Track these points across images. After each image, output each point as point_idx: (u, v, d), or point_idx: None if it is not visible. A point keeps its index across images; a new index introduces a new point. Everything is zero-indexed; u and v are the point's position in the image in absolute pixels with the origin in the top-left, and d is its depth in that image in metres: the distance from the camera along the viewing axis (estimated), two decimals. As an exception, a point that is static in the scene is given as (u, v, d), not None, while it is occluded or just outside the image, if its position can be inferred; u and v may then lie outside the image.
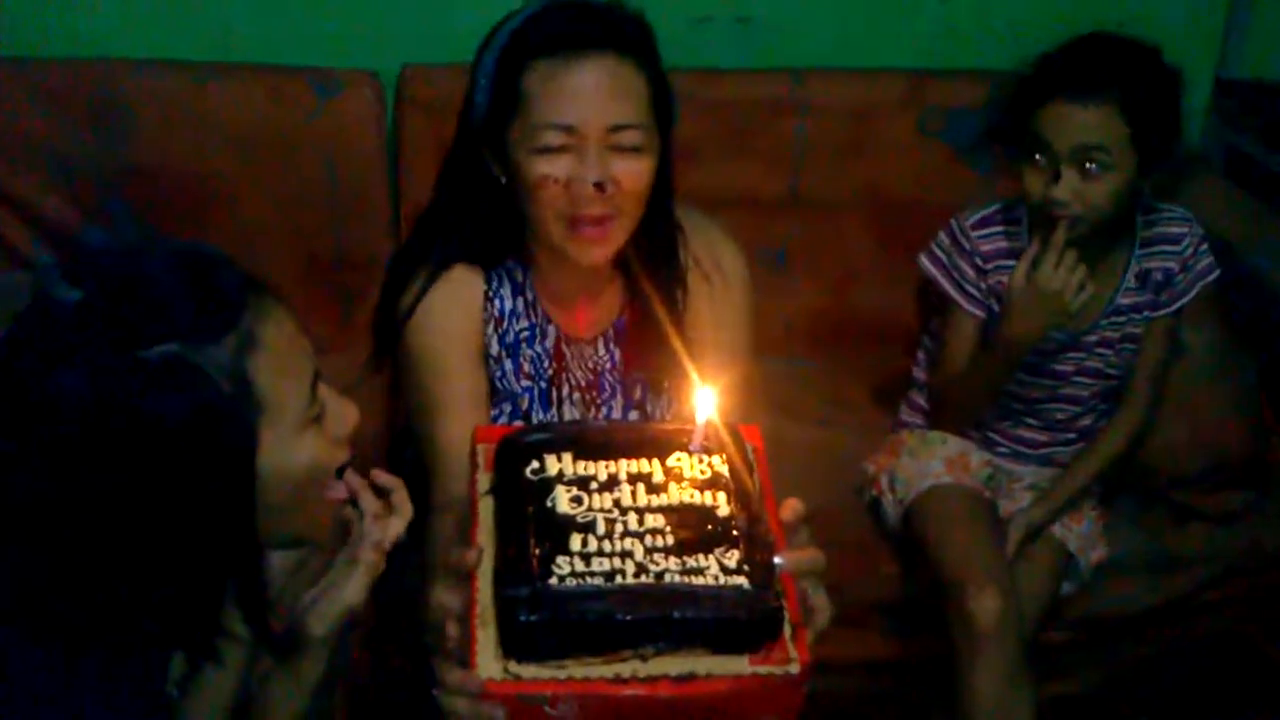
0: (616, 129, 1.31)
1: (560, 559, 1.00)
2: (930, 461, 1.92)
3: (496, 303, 1.43)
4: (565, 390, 1.47)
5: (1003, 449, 1.95)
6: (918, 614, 1.92)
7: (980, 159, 2.27)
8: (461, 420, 1.37)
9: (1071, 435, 1.93)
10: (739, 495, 1.08)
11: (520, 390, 1.45)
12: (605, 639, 0.97)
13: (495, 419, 1.45)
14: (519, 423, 1.45)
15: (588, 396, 1.48)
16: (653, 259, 1.42)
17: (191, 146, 2.10)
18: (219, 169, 2.10)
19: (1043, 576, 1.86)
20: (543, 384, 1.46)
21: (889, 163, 2.25)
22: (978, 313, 1.86)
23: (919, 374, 2.03)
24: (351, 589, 1.11)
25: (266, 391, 0.99)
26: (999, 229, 1.86)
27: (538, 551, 1.01)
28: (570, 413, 1.48)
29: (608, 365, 1.47)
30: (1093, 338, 1.85)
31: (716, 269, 1.46)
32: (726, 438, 1.12)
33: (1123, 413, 1.91)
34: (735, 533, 1.05)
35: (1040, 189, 1.70)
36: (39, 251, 2.09)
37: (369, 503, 1.12)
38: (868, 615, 1.95)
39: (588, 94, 1.29)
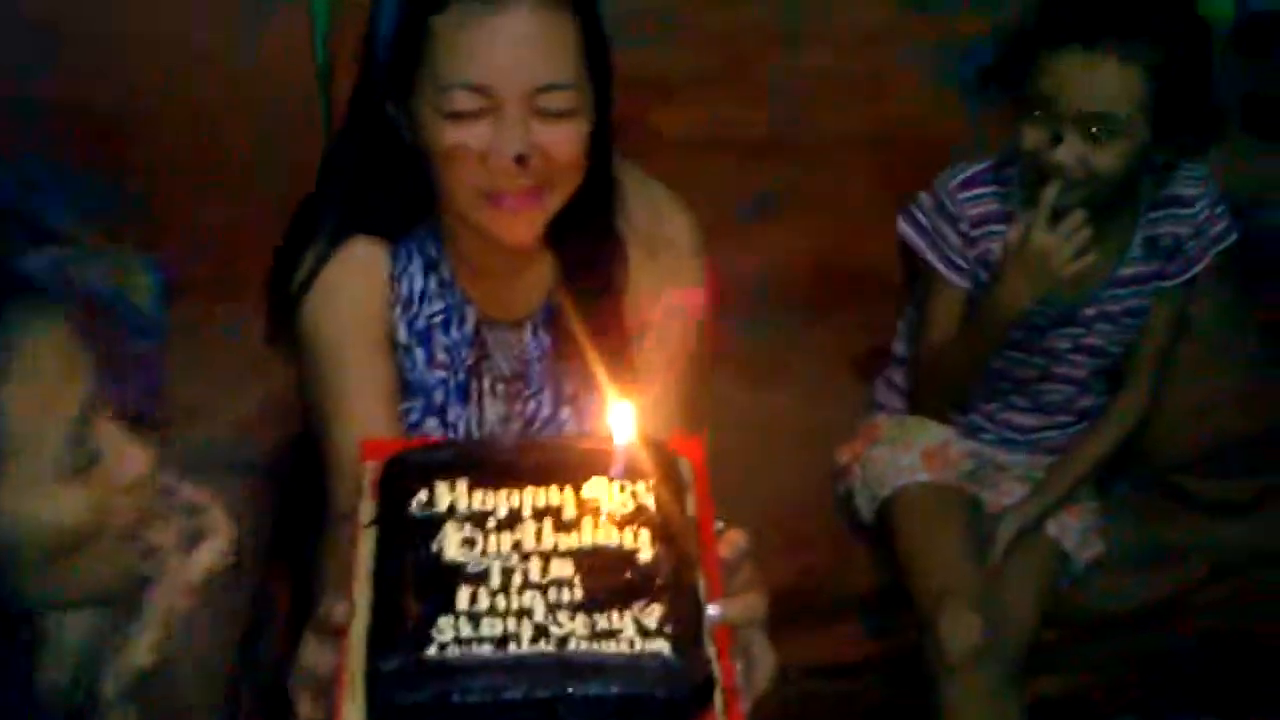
0: (541, 91, 1.11)
1: (443, 620, 0.82)
2: (906, 453, 1.75)
3: (404, 282, 1.24)
4: (487, 382, 1.29)
5: (989, 435, 1.77)
6: (897, 614, 1.78)
7: (992, 97, 2.09)
8: (364, 418, 1.20)
9: (1066, 419, 1.75)
10: (664, 534, 0.90)
11: (433, 383, 1.27)
12: (493, 724, 0.80)
13: (407, 414, 1.27)
14: (433, 421, 1.27)
15: (512, 389, 1.30)
16: (585, 230, 1.23)
17: (108, 73, 1.90)
18: (138, 98, 1.91)
19: (1035, 582, 1.69)
20: (460, 375, 1.27)
21: (892, 99, 2.04)
22: (963, 283, 1.67)
23: (899, 349, 1.85)
24: (138, 648, 0.95)
25: (14, 431, 0.83)
26: (988, 190, 1.66)
27: (416, 610, 0.83)
28: (493, 408, 1.30)
29: (536, 353, 1.28)
30: (1091, 311, 1.66)
31: (660, 239, 1.27)
32: (651, 463, 0.94)
33: (1124, 395, 1.73)
34: (658, 582, 0.86)
35: (1037, 148, 1.51)
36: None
37: (160, 537, 0.96)
38: (843, 614, 1.80)
39: (507, 48, 1.09)
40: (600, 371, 1.25)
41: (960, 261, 1.67)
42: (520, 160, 1.11)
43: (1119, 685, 1.93)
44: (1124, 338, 1.69)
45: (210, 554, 0.99)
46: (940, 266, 1.68)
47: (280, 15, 1.90)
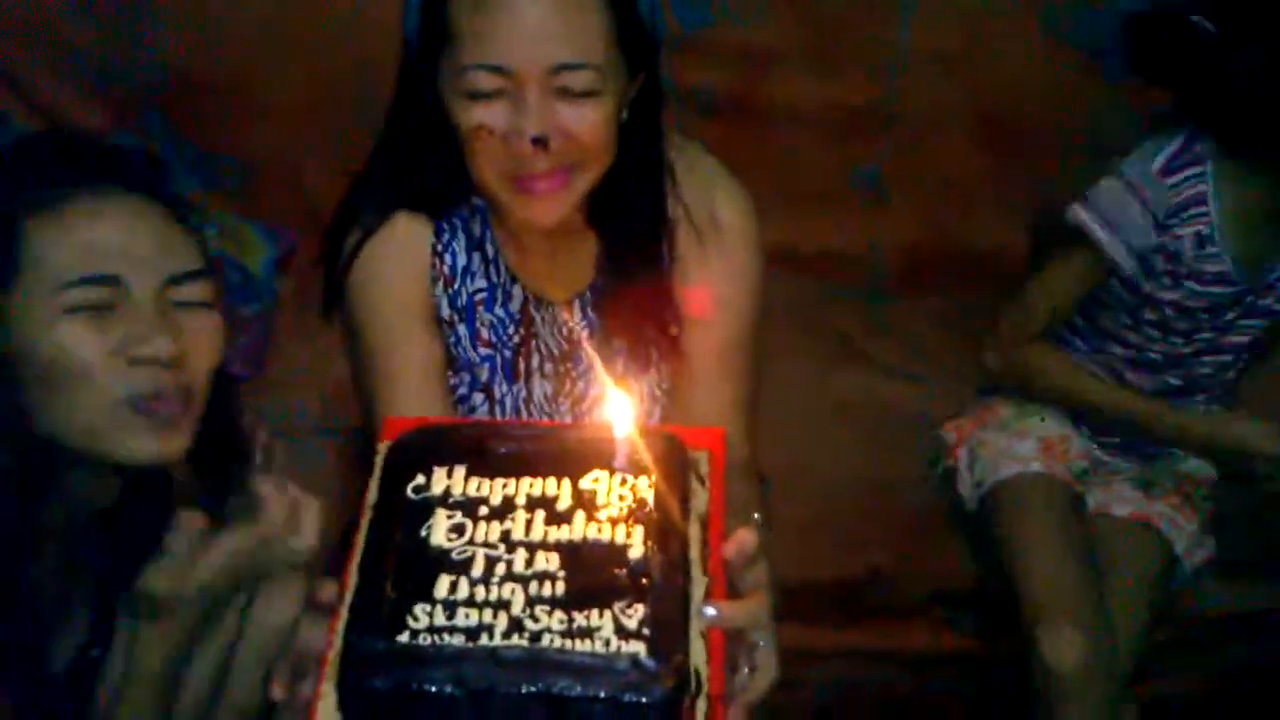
0: (560, 70, 1.07)
1: (419, 607, 0.82)
2: (1023, 441, 1.68)
3: (447, 258, 1.23)
4: (535, 361, 1.27)
5: (1109, 440, 1.71)
6: (985, 607, 1.71)
7: (1117, 66, 1.97)
8: (407, 393, 1.20)
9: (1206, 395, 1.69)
10: (659, 532, 0.88)
11: (479, 359, 1.26)
12: (455, 718, 0.79)
13: (455, 389, 1.27)
14: (480, 397, 1.26)
15: (562, 369, 1.28)
16: (630, 211, 1.19)
17: (225, 51, 1.95)
18: (253, 74, 1.96)
19: (1146, 587, 1.61)
20: (507, 353, 1.26)
21: (1005, 71, 1.96)
22: (1128, 272, 1.58)
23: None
24: (202, 560, 1.02)
25: (31, 251, 0.98)
26: (1191, 171, 1.56)
27: (394, 595, 0.83)
28: (540, 386, 1.28)
29: (584, 333, 1.26)
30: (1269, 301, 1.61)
31: (710, 222, 1.22)
32: (657, 457, 0.91)
33: None
34: (645, 582, 0.84)
35: None
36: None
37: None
38: (924, 604, 1.73)
39: (523, 28, 1.06)
40: (647, 355, 1.23)
41: (1141, 250, 1.57)
42: (539, 142, 1.08)
43: (1225, 692, 1.82)
44: None
45: (259, 530, 1.04)
46: (1114, 251, 1.57)
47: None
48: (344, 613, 0.85)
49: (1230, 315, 1.62)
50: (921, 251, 2.08)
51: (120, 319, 1.01)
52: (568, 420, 1.28)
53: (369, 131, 1.87)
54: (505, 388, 1.27)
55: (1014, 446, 1.68)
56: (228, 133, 1.99)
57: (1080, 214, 1.60)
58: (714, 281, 1.24)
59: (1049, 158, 2.00)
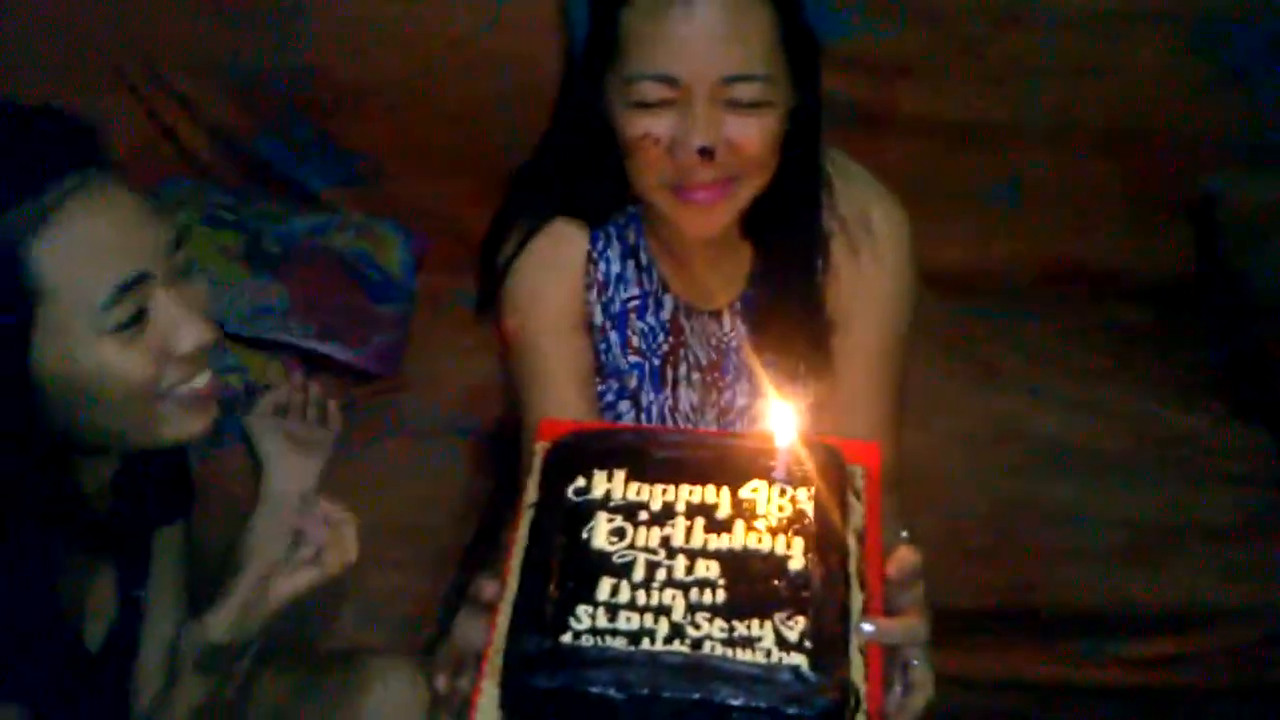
0: (730, 81, 1.07)
1: (581, 608, 0.83)
2: None
3: (601, 265, 1.24)
4: (683, 369, 1.28)
5: None
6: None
7: (1262, 81, 1.91)
8: (556, 398, 1.21)
9: None
10: (820, 544, 0.87)
11: (628, 367, 1.27)
12: (616, 718, 0.80)
13: (602, 396, 1.28)
14: (626, 404, 1.27)
15: (709, 378, 1.28)
16: (786, 223, 1.19)
17: (368, 53, 1.99)
18: (395, 78, 2.00)
19: None
20: (655, 361, 1.27)
21: (1141, 83, 1.92)
22: None
23: None
24: (215, 623, 1.05)
25: (48, 278, 0.91)
26: None
27: (557, 596, 0.84)
28: (687, 395, 1.28)
29: (734, 343, 1.26)
30: None
31: (866, 234, 1.21)
32: (816, 468, 0.91)
33: None
34: (805, 594, 0.84)
35: None
36: (215, 158, 2.04)
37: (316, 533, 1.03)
38: (1066, 633, 1.68)
39: (694, 37, 1.06)
40: (796, 367, 1.23)
41: None
42: (705, 153, 1.08)
43: None
44: None
45: (320, 571, 1.06)
46: None
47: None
48: (506, 610, 0.87)
49: None
50: (1057, 267, 2.04)
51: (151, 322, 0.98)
52: (714, 430, 1.28)
53: (503, 134, 1.92)
54: (652, 395, 1.27)
55: None
56: (362, 135, 2.05)
57: None
58: (866, 292, 1.23)
59: (1184, 172, 1.97)
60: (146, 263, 0.96)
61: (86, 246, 0.93)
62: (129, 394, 0.96)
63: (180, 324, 0.97)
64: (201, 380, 1.00)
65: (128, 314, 0.94)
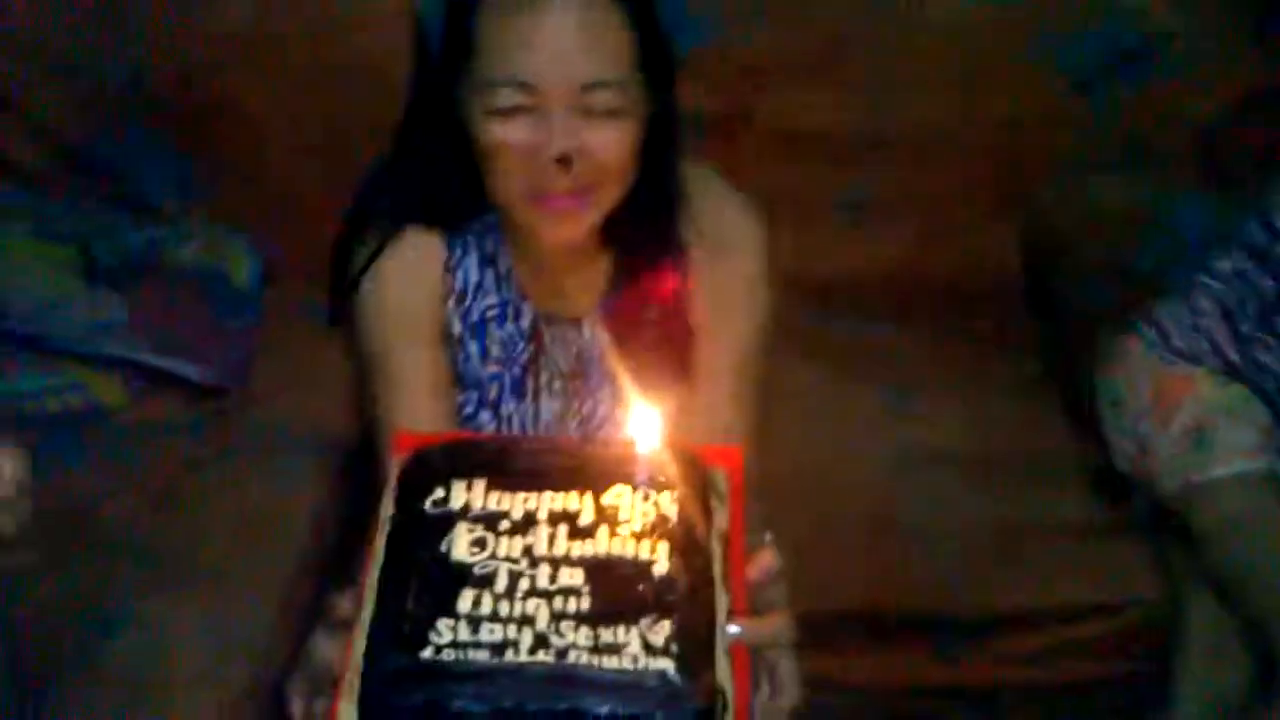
0: (588, 88, 1.06)
1: (442, 622, 0.80)
2: (1248, 430, 1.63)
3: (459, 274, 1.22)
4: (544, 379, 1.26)
5: None
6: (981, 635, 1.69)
7: (1099, 90, 2.00)
8: (416, 411, 1.18)
9: None
10: (684, 548, 0.87)
11: (487, 377, 1.24)
12: (480, 734, 0.78)
13: (462, 407, 1.25)
14: (487, 415, 1.25)
15: (570, 387, 1.27)
16: (644, 231, 1.19)
17: (216, 57, 1.94)
18: (245, 83, 1.94)
19: None
20: (516, 370, 1.25)
21: (995, 95, 1.99)
22: None
23: (1207, 302, 1.70)
24: None
25: None
26: None
27: (416, 610, 0.82)
28: (549, 405, 1.27)
29: (594, 352, 1.25)
30: None
31: (723, 243, 1.22)
32: (679, 473, 0.90)
33: None
34: (671, 598, 0.83)
35: None
36: (44, 166, 1.95)
37: None
38: (918, 634, 1.72)
39: (551, 44, 1.05)
40: (657, 373, 1.22)
41: None
42: (563, 160, 1.07)
43: None
44: None
45: None
46: None
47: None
48: (362, 628, 0.84)
49: None
50: (910, 275, 2.09)
51: None
52: (575, 436, 1.27)
53: (354, 141, 1.88)
54: (513, 406, 1.26)
55: (1240, 435, 1.63)
56: (208, 143, 1.98)
57: None
58: (724, 300, 1.23)
59: (1036, 180, 2.04)
60: None
61: None
62: None
63: None
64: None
65: None
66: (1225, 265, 1.70)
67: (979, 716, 1.79)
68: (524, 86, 1.06)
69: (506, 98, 1.07)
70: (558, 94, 1.06)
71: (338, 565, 1.49)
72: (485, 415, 1.26)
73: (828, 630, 1.60)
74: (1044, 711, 1.78)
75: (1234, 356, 1.70)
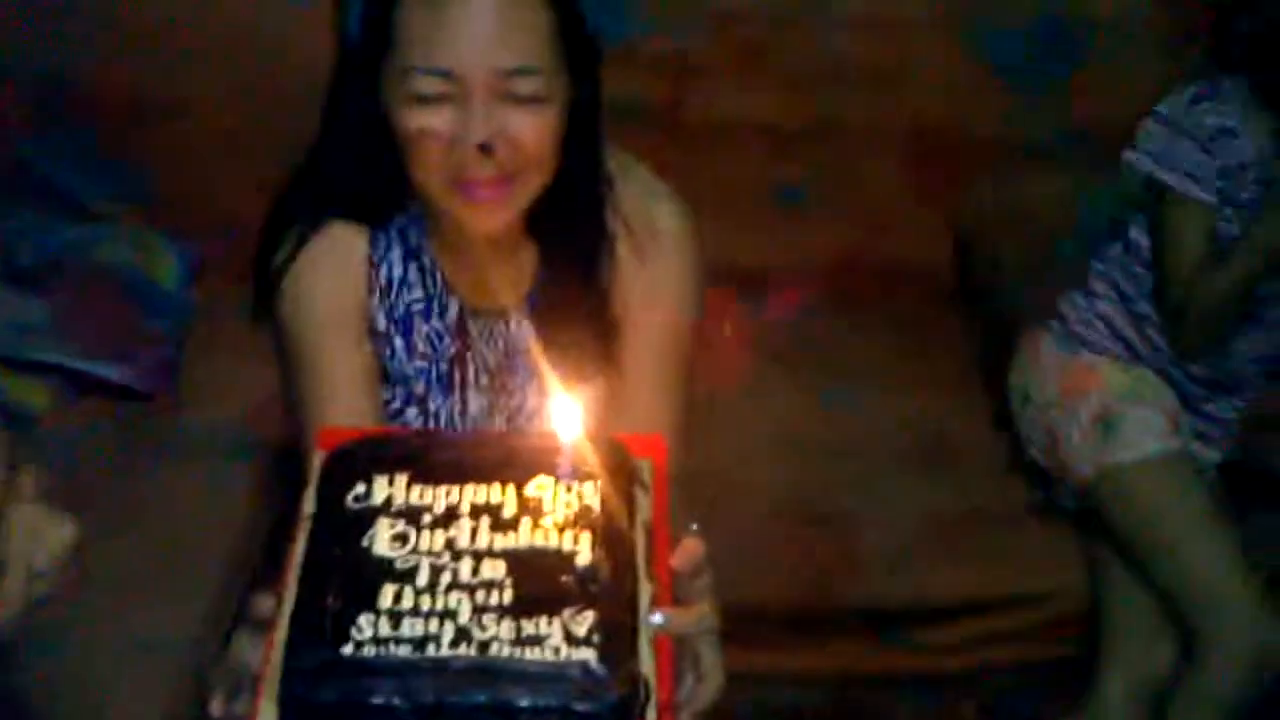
0: (509, 75, 1.06)
1: (363, 618, 0.79)
2: (1153, 413, 1.70)
3: (383, 269, 1.21)
4: (471, 373, 1.25)
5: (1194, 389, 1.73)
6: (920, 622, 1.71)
7: (1030, 82, 2.03)
8: (341, 407, 1.17)
9: None
10: (607, 538, 0.87)
11: (413, 373, 1.23)
12: (403, 729, 0.77)
13: (388, 403, 1.24)
14: (413, 410, 1.24)
15: (497, 381, 1.26)
16: (569, 222, 1.18)
17: (143, 56, 1.91)
18: (172, 81, 1.92)
19: None
20: (442, 365, 1.24)
21: (926, 88, 2.02)
22: (1209, 198, 1.66)
23: (1102, 286, 1.79)
24: None
25: None
26: (1213, 104, 1.67)
27: (336, 606, 0.81)
28: (476, 399, 1.26)
29: (521, 345, 1.24)
30: None
31: (650, 235, 1.21)
32: (602, 463, 0.90)
33: None
34: (593, 588, 0.83)
35: None
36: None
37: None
38: (860, 623, 1.73)
39: (472, 31, 1.04)
40: (584, 366, 1.22)
41: (1203, 176, 1.65)
42: (485, 148, 1.06)
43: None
44: None
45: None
46: (1182, 185, 1.66)
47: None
48: (283, 625, 0.83)
49: None
50: (847, 266, 2.11)
51: None
52: (497, 429, 1.26)
53: (284, 139, 1.86)
54: (440, 400, 1.24)
55: (1147, 419, 1.70)
56: (136, 142, 1.95)
57: (1130, 155, 1.70)
58: (651, 291, 1.23)
59: (970, 171, 2.06)
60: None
61: None
62: None
63: (41, 540, 0.91)
64: None
65: None
66: (1115, 250, 1.79)
67: (917, 703, 1.81)
68: (444, 74, 1.06)
69: (427, 85, 1.06)
70: (478, 81, 1.06)
71: (270, 568, 1.48)
72: (412, 410, 1.25)
73: (759, 621, 1.61)
74: (982, 696, 1.81)
75: (1133, 338, 1.77)
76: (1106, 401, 1.73)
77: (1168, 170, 1.68)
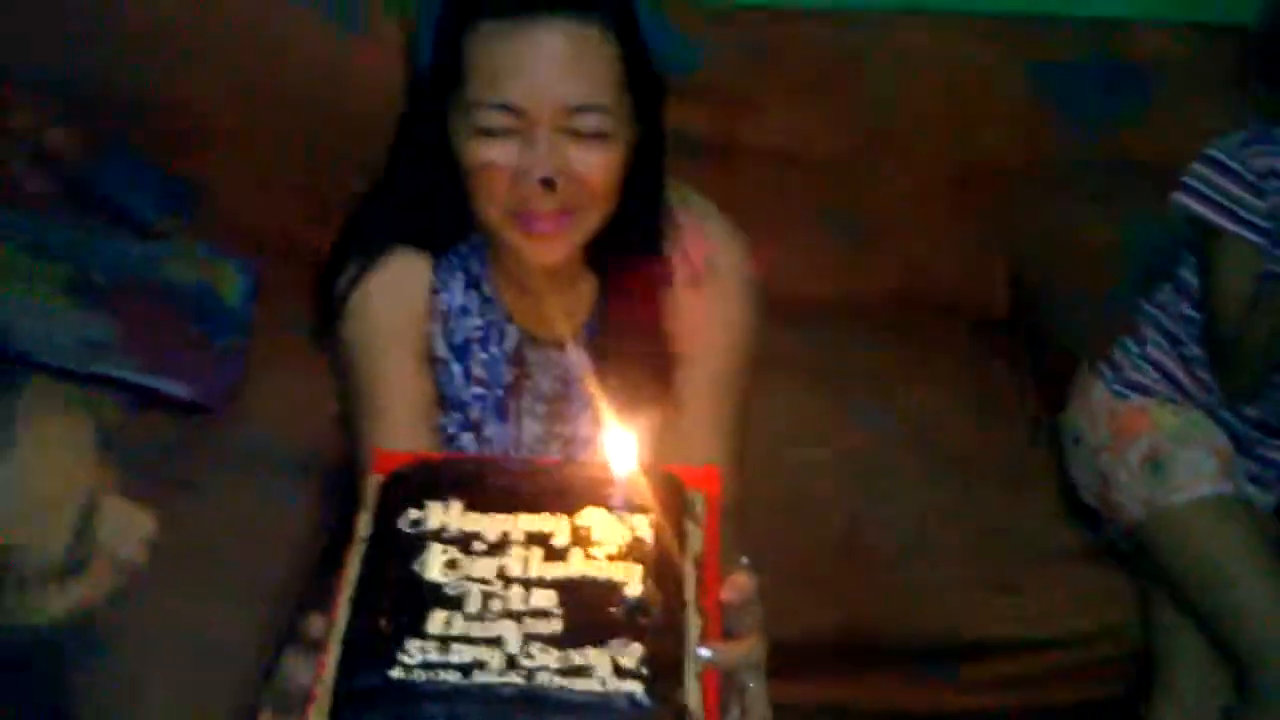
0: (574, 111, 1.08)
1: (412, 642, 0.80)
2: (1202, 454, 1.69)
3: (445, 296, 1.23)
4: (527, 401, 1.27)
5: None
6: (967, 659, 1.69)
7: (1090, 118, 2.02)
8: (398, 431, 1.19)
9: None
10: (657, 571, 0.87)
11: (470, 399, 1.25)
12: (448, 755, 0.78)
13: (444, 429, 1.26)
14: (469, 437, 1.25)
15: (553, 410, 1.27)
16: (628, 254, 1.20)
17: (206, 76, 1.96)
18: (233, 101, 1.96)
19: None
20: (498, 392, 1.25)
21: (984, 123, 2.02)
22: (1257, 240, 1.65)
23: (1151, 329, 1.79)
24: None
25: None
26: (1265, 147, 1.67)
27: (387, 629, 0.82)
28: (531, 427, 1.27)
29: (578, 374, 1.25)
30: None
31: (709, 268, 1.22)
32: (655, 495, 0.91)
33: None
34: (643, 621, 0.83)
35: None
36: (34, 182, 1.95)
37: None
38: (906, 657, 1.72)
39: (538, 67, 1.06)
40: (640, 398, 1.23)
41: (1252, 218, 1.65)
42: (547, 183, 1.08)
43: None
44: None
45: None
46: (1232, 226, 1.66)
47: (365, 14, 1.94)
48: (334, 647, 0.84)
49: None
50: (899, 298, 2.11)
51: None
52: (551, 458, 1.27)
53: (341, 161, 1.89)
54: (495, 428, 1.26)
55: (1196, 461, 1.70)
56: (202, 161, 1.99)
57: (1181, 199, 1.70)
58: (708, 324, 1.23)
59: (1024, 205, 2.05)
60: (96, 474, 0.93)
61: (48, 481, 0.93)
62: None
63: (125, 531, 0.94)
64: None
65: (85, 551, 0.93)
66: (1165, 291, 1.79)
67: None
68: (510, 108, 1.07)
69: (492, 119, 1.08)
70: (543, 116, 1.07)
71: (315, 585, 1.50)
72: (467, 437, 1.26)
73: (804, 653, 1.60)
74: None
75: (1183, 379, 1.76)
76: (1156, 442, 1.72)
77: (1215, 210, 1.67)
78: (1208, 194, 1.69)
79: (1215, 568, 1.65)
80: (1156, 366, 1.78)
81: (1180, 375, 1.76)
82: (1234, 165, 1.67)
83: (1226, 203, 1.67)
